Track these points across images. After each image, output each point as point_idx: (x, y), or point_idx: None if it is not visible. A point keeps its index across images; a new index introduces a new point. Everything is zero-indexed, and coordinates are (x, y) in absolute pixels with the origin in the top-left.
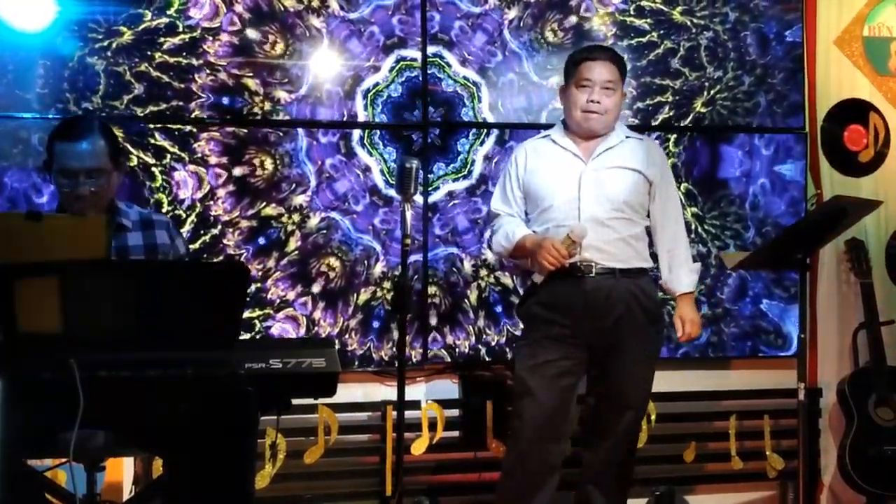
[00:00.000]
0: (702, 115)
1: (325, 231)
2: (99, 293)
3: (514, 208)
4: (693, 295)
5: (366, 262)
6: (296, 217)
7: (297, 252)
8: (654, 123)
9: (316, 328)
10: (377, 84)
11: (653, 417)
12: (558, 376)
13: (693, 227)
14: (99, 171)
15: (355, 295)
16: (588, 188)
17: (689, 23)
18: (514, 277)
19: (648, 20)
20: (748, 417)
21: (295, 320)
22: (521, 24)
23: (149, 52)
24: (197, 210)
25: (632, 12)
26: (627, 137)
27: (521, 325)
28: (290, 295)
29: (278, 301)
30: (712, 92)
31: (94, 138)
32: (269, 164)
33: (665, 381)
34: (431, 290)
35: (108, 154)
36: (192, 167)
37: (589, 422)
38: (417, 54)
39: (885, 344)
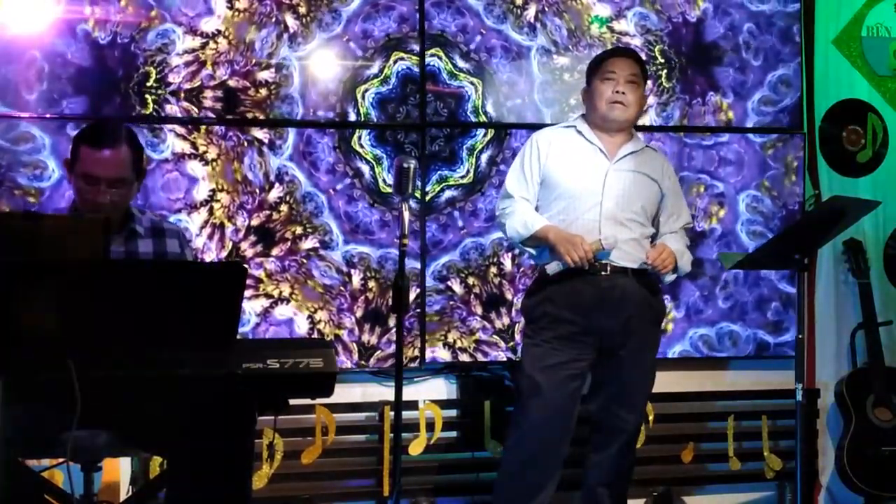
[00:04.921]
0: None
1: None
2: (97, 293)
3: (530, 192)
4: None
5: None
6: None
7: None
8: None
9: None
10: (373, 79)
11: (651, 418)
12: (568, 378)
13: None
14: (121, 181)
15: (355, 295)
16: (612, 187)
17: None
18: (514, 277)
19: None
20: (746, 418)
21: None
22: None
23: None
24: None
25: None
26: (647, 147)
27: (526, 320)
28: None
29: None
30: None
31: (119, 147)
32: (283, 207)
33: (663, 381)
34: (429, 290)
35: (132, 164)
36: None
37: (597, 422)
38: (415, 47)
39: (883, 345)
